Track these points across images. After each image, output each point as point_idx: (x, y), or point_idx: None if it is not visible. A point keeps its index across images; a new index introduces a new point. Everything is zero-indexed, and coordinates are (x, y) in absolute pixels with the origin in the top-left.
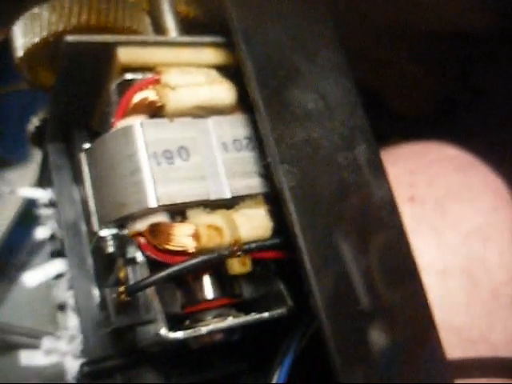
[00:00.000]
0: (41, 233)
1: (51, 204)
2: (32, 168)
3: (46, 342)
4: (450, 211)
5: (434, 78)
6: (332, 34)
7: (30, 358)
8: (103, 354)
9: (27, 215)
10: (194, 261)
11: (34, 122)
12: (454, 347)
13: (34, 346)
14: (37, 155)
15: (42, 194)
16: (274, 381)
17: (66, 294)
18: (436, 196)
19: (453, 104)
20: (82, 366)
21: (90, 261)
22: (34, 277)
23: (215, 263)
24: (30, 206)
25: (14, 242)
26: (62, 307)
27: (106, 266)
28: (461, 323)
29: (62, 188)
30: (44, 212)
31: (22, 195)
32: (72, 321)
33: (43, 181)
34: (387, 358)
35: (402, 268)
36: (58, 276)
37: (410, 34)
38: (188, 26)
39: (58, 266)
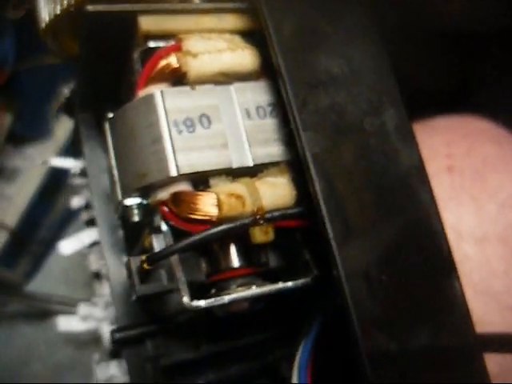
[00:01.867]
0: (76, 202)
1: (84, 174)
2: (51, 144)
3: (83, 309)
4: (488, 181)
5: (457, 52)
6: None
7: (67, 324)
8: (133, 321)
9: (48, 191)
10: (214, 230)
11: (65, 93)
12: (493, 313)
13: (70, 314)
14: (56, 131)
15: (74, 164)
16: (301, 349)
17: (100, 262)
18: (474, 166)
19: (476, 79)
20: (112, 332)
21: (120, 229)
22: (69, 245)
23: (237, 232)
24: (51, 181)
25: (36, 218)
26: (97, 275)
27: (133, 234)
28: (499, 289)
29: (92, 158)
30: (78, 181)
31: (54, 165)
32: (107, 288)
33: (75, 151)
34: (407, 321)
35: (432, 239)
36: (93, 244)
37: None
38: None
39: (93, 234)
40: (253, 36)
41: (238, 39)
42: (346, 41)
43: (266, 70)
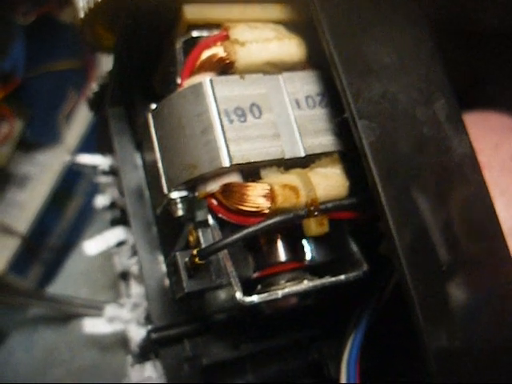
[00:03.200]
0: (100, 201)
1: (111, 171)
2: (62, 150)
3: (109, 310)
4: None
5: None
6: None
7: (93, 326)
8: (168, 322)
9: (60, 196)
10: (270, 221)
11: (93, 88)
12: None
13: (93, 316)
14: (66, 137)
15: (102, 161)
16: (349, 347)
17: (128, 262)
18: (502, 161)
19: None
20: (149, 332)
21: (154, 227)
22: (94, 245)
23: (291, 224)
24: (62, 186)
25: (48, 224)
26: (124, 275)
27: (172, 230)
28: None
29: (124, 153)
30: (103, 180)
31: (82, 162)
32: (135, 288)
33: (101, 148)
34: (470, 314)
35: (483, 223)
36: (119, 244)
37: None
38: None
39: (119, 233)
40: (296, 26)
41: (282, 29)
42: (395, 30)
43: (313, 60)
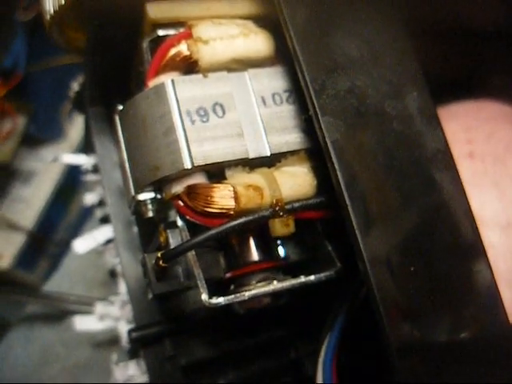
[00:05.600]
0: (89, 199)
1: (97, 170)
2: (65, 146)
3: (99, 308)
4: (510, 165)
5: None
6: None
7: (84, 324)
8: (152, 320)
9: (64, 191)
10: (232, 223)
11: (74, 87)
12: None
13: (87, 313)
14: (70, 132)
15: (86, 160)
16: (325, 345)
17: (115, 260)
18: (495, 151)
19: (488, 64)
20: (130, 332)
21: (135, 226)
22: (83, 244)
23: (256, 225)
24: (66, 181)
25: (53, 218)
26: (112, 273)
27: (148, 230)
28: None
29: (104, 153)
30: (91, 178)
31: (66, 162)
32: (123, 286)
33: (87, 147)
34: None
35: (458, 220)
36: (108, 242)
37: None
38: None
39: (107, 231)
40: (266, 20)
41: (250, 24)
42: (364, 21)
43: (282, 55)
